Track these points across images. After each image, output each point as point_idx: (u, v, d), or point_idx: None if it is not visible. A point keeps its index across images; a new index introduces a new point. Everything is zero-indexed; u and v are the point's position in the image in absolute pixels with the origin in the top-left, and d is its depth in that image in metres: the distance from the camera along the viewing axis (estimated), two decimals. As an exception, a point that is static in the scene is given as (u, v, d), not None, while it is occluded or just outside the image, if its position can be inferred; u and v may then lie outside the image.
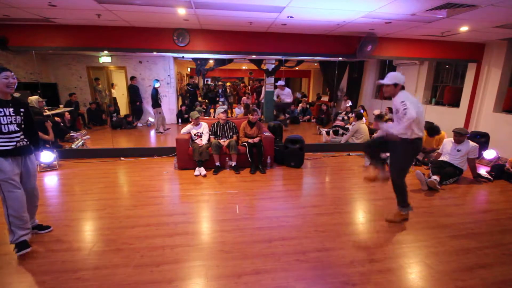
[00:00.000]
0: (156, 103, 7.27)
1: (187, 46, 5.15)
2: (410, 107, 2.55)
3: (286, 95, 8.05)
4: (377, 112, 7.09)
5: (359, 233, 2.81)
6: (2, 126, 2.22)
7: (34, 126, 2.54)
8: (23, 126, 2.39)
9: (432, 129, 5.01)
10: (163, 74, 8.64)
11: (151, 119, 8.29)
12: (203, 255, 2.39)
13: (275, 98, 8.16)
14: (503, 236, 2.78)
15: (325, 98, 11.11)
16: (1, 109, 2.22)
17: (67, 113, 6.83)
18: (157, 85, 7.29)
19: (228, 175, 4.46)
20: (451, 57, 5.94)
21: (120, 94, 9.06)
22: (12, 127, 2.28)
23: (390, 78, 2.72)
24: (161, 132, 7.47)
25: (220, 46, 5.28)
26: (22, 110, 2.38)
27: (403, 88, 2.73)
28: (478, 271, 2.23)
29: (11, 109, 2.28)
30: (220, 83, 11.23)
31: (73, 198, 3.56)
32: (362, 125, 6.18)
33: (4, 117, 2.23)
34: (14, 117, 2.30)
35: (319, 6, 3.65)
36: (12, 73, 2.26)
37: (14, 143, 2.30)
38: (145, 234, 2.69)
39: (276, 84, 8.09)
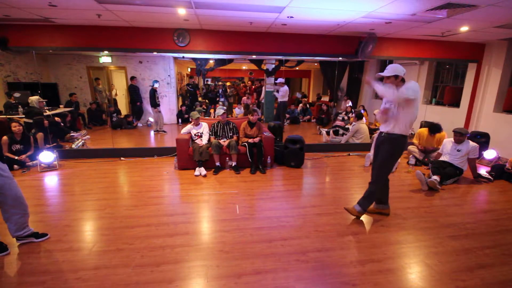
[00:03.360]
0: (153, 103, 7.31)
1: (187, 46, 5.15)
2: (409, 93, 2.60)
3: (279, 94, 7.89)
4: (377, 112, 7.08)
5: (359, 233, 2.81)
6: None
7: None
8: None
9: (434, 127, 4.99)
10: (163, 74, 8.63)
11: (151, 119, 8.31)
12: (203, 255, 2.39)
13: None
14: (503, 236, 2.78)
15: (325, 98, 11.11)
16: None
17: (57, 118, 6.76)
18: (156, 85, 7.35)
19: (228, 175, 4.46)
20: (451, 57, 5.94)
21: (121, 94, 9.06)
22: None
23: (390, 70, 2.73)
24: (164, 131, 7.52)
25: (220, 46, 5.28)
26: None
27: (403, 80, 2.75)
28: (478, 271, 2.23)
29: None
30: (220, 83, 11.24)
31: (73, 198, 3.57)
32: (362, 125, 6.18)
33: None
34: None
35: (319, 6, 3.65)
36: None
37: None
38: (145, 234, 2.69)
39: (275, 82, 8.06)
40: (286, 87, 7.90)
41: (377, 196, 3.10)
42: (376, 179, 2.94)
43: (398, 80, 2.74)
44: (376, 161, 2.99)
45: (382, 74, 2.79)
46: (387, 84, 2.77)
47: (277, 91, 7.93)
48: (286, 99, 7.88)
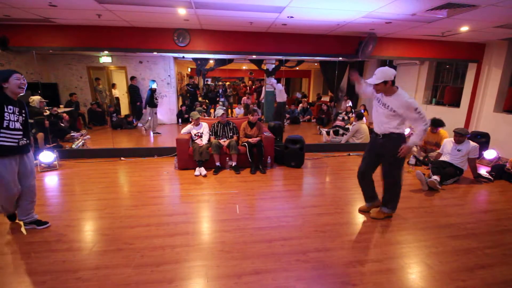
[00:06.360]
0: (151, 103, 7.28)
1: (187, 46, 5.15)
2: (424, 117, 2.68)
3: (277, 93, 7.88)
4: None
5: (359, 233, 2.81)
6: (10, 122, 2.37)
7: (29, 127, 2.66)
8: (22, 126, 2.54)
9: (435, 121, 4.91)
10: (163, 74, 8.63)
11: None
12: (203, 255, 2.39)
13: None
14: (503, 236, 2.78)
15: (325, 98, 11.10)
16: (11, 107, 2.38)
17: (65, 114, 6.79)
18: (154, 86, 7.31)
19: (228, 175, 4.46)
20: (452, 57, 5.93)
21: (121, 94, 9.07)
22: (17, 125, 2.44)
23: (380, 75, 2.61)
24: (158, 133, 7.49)
25: (220, 46, 5.28)
26: (23, 111, 2.54)
27: (393, 83, 2.66)
28: (478, 272, 2.23)
29: (17, 109, 2.44)
30: (220, 83, 11.25)
31: (73, 198, 3.57)
32: (363, 125, 6.19)
33: (13, 115, 2.40)
34: (18, 116, 2.46)
35: (319, 6, 3.65)
36: (22, 76, 2.45)
37: (17, 141, 2.44)
38: (145, 234, 2.69)
39: (271, 82, 8.07)
40: (280, 85, 7.89)
41: (370, 194, 3.15)
42: (396, 180, 2.91)
43: (387, 86, 2.63)
44: (385, 166, 2.93)
45: (369, 81, 2.68)
46: (414, 136, 2.75)
47: (273, 87, 7.92)
48: (284, 97, 7.87)
